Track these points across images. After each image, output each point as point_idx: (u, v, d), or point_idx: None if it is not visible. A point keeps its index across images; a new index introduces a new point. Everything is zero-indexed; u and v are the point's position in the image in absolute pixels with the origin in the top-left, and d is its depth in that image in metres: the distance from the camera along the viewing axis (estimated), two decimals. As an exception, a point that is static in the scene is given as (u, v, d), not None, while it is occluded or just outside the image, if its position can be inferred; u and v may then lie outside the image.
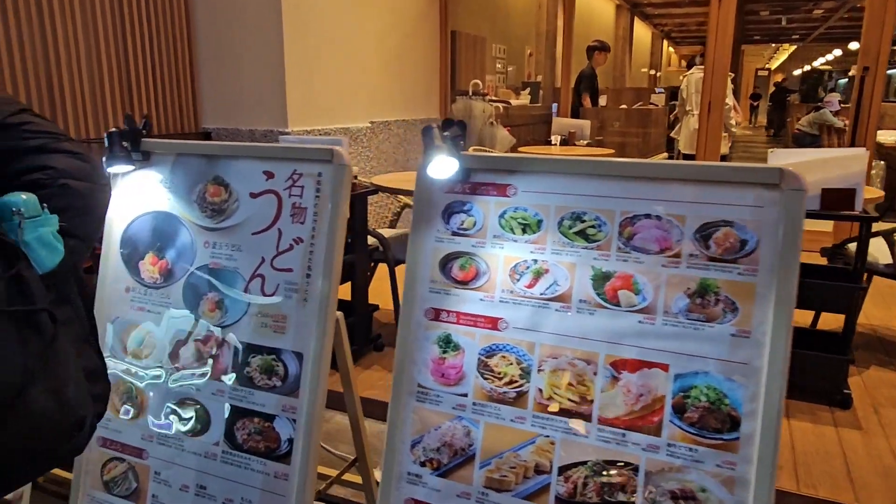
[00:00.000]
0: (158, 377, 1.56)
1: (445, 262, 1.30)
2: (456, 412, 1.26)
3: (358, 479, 1.65)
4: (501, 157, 1.25)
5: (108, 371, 1.64)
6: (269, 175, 1.48)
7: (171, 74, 3.49)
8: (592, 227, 1.18)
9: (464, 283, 1.28)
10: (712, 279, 1.11)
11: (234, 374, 1.48)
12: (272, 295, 1.45)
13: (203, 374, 1.51)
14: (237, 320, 1.48)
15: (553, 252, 1.21)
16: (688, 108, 6.01)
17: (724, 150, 5.24)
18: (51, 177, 0.95)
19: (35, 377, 0.76)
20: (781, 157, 2.37)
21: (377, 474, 1.38)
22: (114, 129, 1.59)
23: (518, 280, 1.23)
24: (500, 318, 1.24)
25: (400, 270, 2.23)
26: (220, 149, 1.54)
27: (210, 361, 1.51)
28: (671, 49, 21.10)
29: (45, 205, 0.88)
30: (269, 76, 3.56)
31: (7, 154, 0.95)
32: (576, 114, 6.32)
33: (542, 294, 1.21)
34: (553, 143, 5.57)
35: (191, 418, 1.52)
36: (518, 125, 6.87)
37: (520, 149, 5.42)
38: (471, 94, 6.17)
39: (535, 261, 1.22)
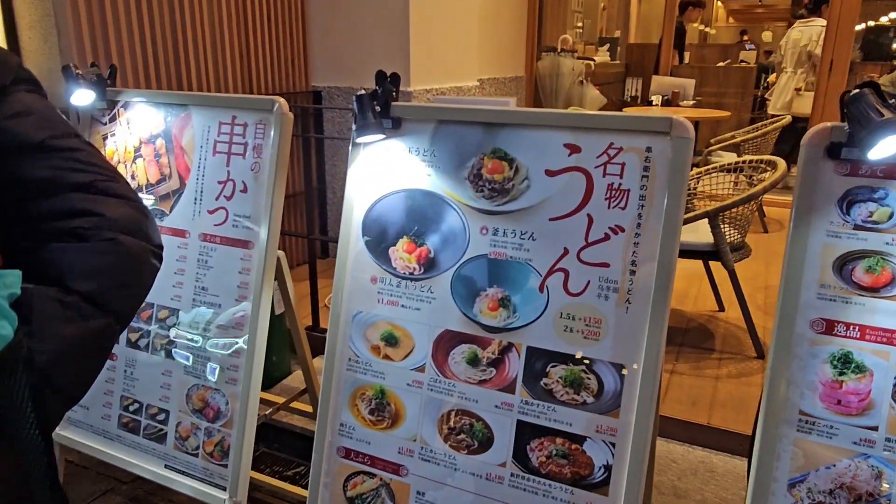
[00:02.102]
0: (419, 383, 1.35)
1: (843, 263, 1.04)
2: (859, 448, 1.03)
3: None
4: (939, 130, 0.98)
5: (351, 372, 1.43)
6: (574, 149, 1.22)
7: (282, 28, 3.22)
8: None
9: (872, 290, 1.02)
10: None
11: (525, 386, 1.25)
12: (580, 294, 1.21)
13: (482, 383, 1.29)
14: (530, 322, 1.25)
15: None
16: (783, 66, 5.58)
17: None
18: (96, 226, 0.69)
19: None
20: None
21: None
22: (363, 91, 1.33)
23: (961, 289, 0.98)
24: (931, 336, 0.99)
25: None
26: (501, 115, 1.28)
27: (491, 370, 1.28)
28: (719, 4, 20.14)
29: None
30: (391, 31, 3.26)
31: (42, 185, 0.68)
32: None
33: None
34: (654, 103, 5.21)
35: (466, 433, 1.30)
36: (601, 84, 6.48)
37: (624, 110, 5.08)
38: (559, 50, 5.79)
39: None
